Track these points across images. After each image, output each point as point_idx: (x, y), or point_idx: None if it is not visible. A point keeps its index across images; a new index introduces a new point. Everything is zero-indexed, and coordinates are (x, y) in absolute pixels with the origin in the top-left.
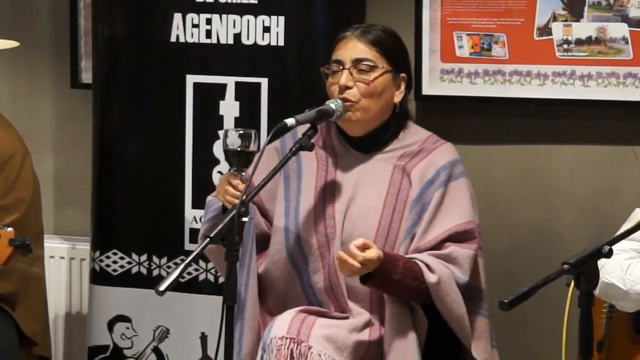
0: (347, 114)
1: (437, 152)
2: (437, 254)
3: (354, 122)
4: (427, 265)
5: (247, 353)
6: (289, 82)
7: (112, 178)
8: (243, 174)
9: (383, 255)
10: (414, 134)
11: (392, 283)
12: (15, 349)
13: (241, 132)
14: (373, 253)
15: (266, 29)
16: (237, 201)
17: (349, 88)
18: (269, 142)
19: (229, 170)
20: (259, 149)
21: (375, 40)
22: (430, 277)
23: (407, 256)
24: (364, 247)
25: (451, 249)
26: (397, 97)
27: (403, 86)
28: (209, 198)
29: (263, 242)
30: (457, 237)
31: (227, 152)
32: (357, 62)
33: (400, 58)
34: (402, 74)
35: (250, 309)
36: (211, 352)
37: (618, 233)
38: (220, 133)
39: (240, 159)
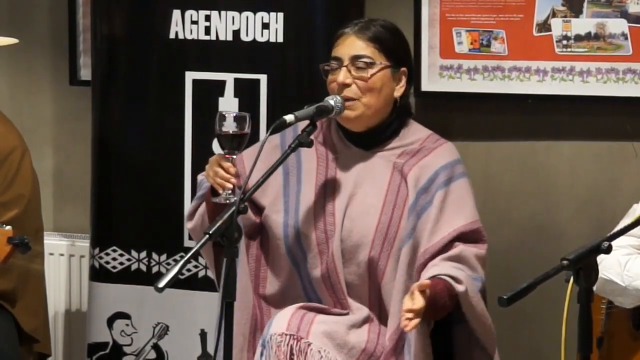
0: (346, 111)
1: (435, 152)
2: (447, 256)
3: (353, 119)
4: (452, 277)
5: (239, 347)
6: (288, 79)
7: (112, 175)
8: (234, 157)
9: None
10: (415, 133)
11: (438, 309)
12: (15, 346)
13: (235, 115)
14: (420, 302)
15: (265, 26)
16: (227, 184)
17: (347, 85)
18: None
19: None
20: (254, 135)
21: (374, 36)
22: (459, 287)
23: (428, 274)
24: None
25: (460, 248)
26: (398, 92)
27: (404, 80)
28: (200, 177)
29: (253, 231)
30: (465, 237)
31: (221, 135)
32: (354, 59)
33: (400, 52)
34: (403, 68)
35: (241, 299)
36: (211, 349)
37: (617, 229)
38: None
39: (233, 142)
